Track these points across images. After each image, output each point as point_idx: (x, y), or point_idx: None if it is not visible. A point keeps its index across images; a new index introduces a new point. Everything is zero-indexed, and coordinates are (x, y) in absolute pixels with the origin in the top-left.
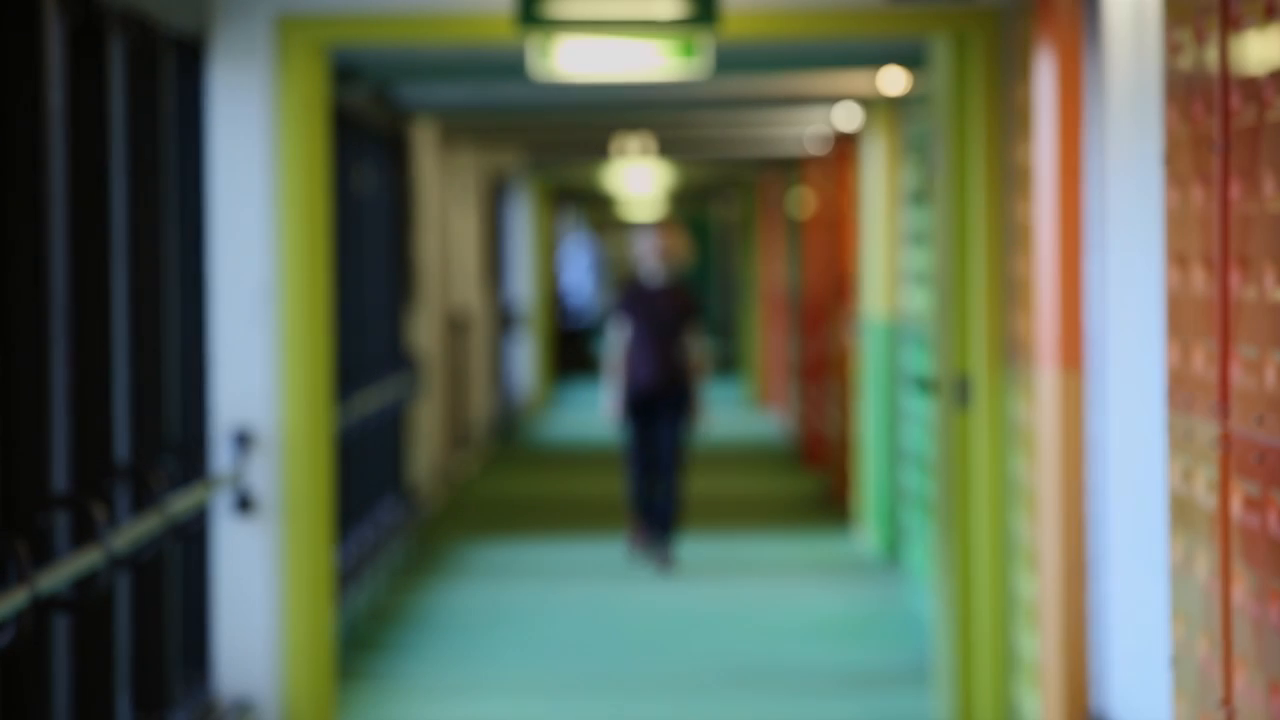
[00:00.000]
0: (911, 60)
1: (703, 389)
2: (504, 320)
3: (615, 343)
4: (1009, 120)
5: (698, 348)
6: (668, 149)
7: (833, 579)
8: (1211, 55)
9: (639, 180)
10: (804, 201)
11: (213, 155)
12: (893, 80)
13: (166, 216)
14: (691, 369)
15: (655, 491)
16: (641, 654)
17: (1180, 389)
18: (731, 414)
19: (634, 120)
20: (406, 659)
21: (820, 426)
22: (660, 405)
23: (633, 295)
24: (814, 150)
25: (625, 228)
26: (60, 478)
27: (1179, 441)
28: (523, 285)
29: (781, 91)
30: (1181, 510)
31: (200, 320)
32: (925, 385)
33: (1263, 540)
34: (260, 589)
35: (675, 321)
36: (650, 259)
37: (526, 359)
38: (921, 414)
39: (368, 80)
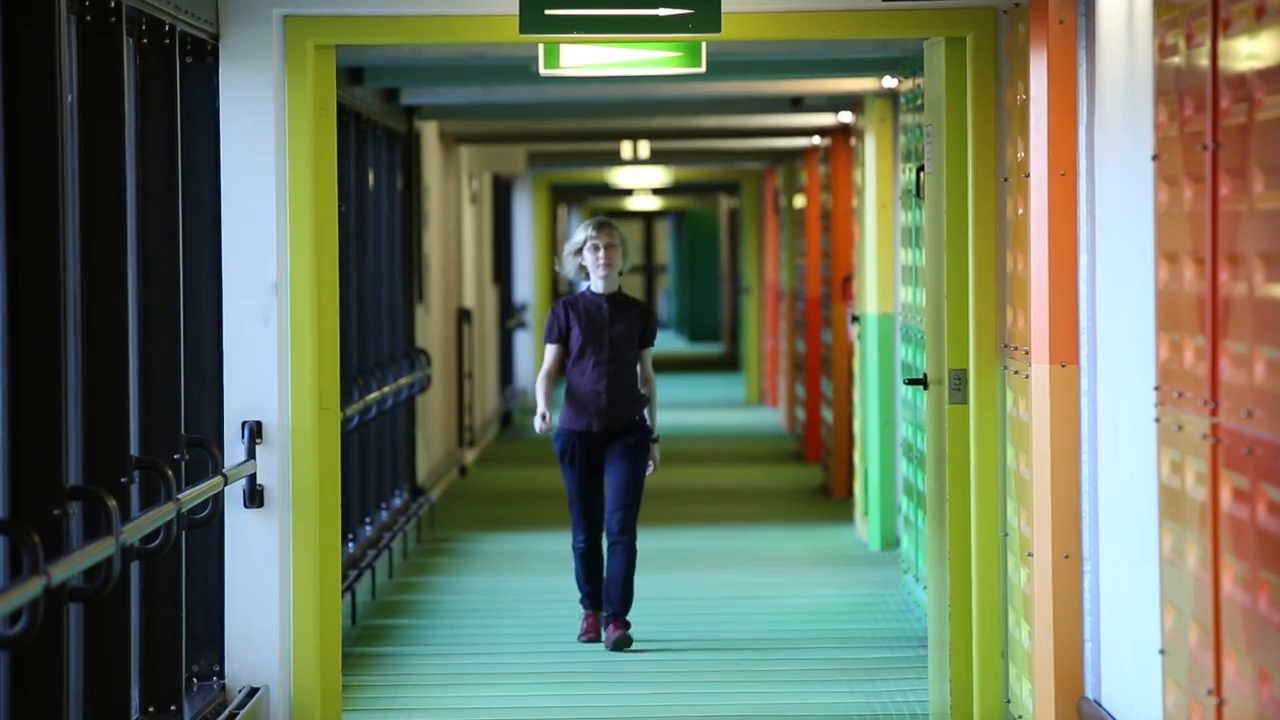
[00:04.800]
0: (908, 68)
1: (653, 417)
2: (509, 316)
3: (550, 370)
4: (1003, 119)
5: (648, 368)
6: (668, 148)
7: (832, 569)
8: (1202, 56)
9: (640, 178)
10: (804, 198)
11: (224, 152)
12: (890, 79)
13: (179, 213)
14: (643, 395)
15: (610, 554)
16: (643, 643)
17: (1170, 383)
18: (733, 408)
19: (635, 120)
20: (413, 647)
21: (820, 420)
22: (609, 444)
23: (572, 308)
24: (813, 147)
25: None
26: (74, 471)
27: (1169, 435)
28: (526, 282)
29: (781, 90)
30: (1172, 502)
31: (213, 315)
32: (915, 380)
33: (1251, 531)
34: (270, 580)
35: (626, 339)
36: (591, 262)
37: (531, 355)
38: (920, 408)
39: (376, 81)
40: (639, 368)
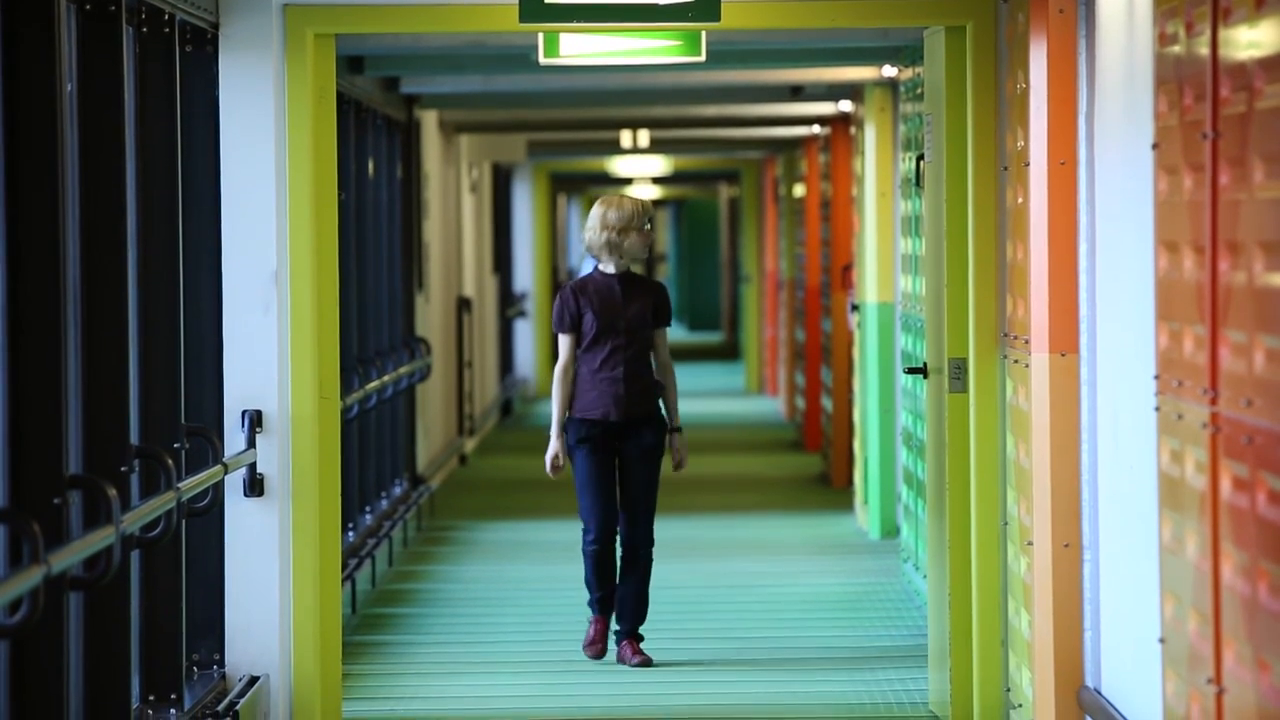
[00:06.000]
0: (908, 57)
1: (674, 405)
2: (509, 305)
3: (566, 363)
4: (1003, 108)
5: (664, 352)
6: (668, 137)
7: (832, 558)
8: (1202, 45)
9: (640, 166)
10: (803, 187)
11: (223, 142)
12: (890, 68)
13: (178, 202)
14: (662, 385)
15: (623, 565)
16: (644, 631)
17: (1170, 372)
18: (732, 397)
19: (634, 109)
20: (413, 636)
21: (820, 408)
22: (625, 440)
23: (584, 292)
24: (813, 136)
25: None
26: (74, 460)
27: (1169, 424)
28: (526, 271)
29: (781, 79)
30: (1171, 491)
31: (212, 304)
32: (915, 369)
33: (1251, 520)
34: (270, 569)
35: (642, 321)
36: (639, 243)
37: (530, 343)
38: (920, 396)
39: (376, 69)
40: (654, 351)
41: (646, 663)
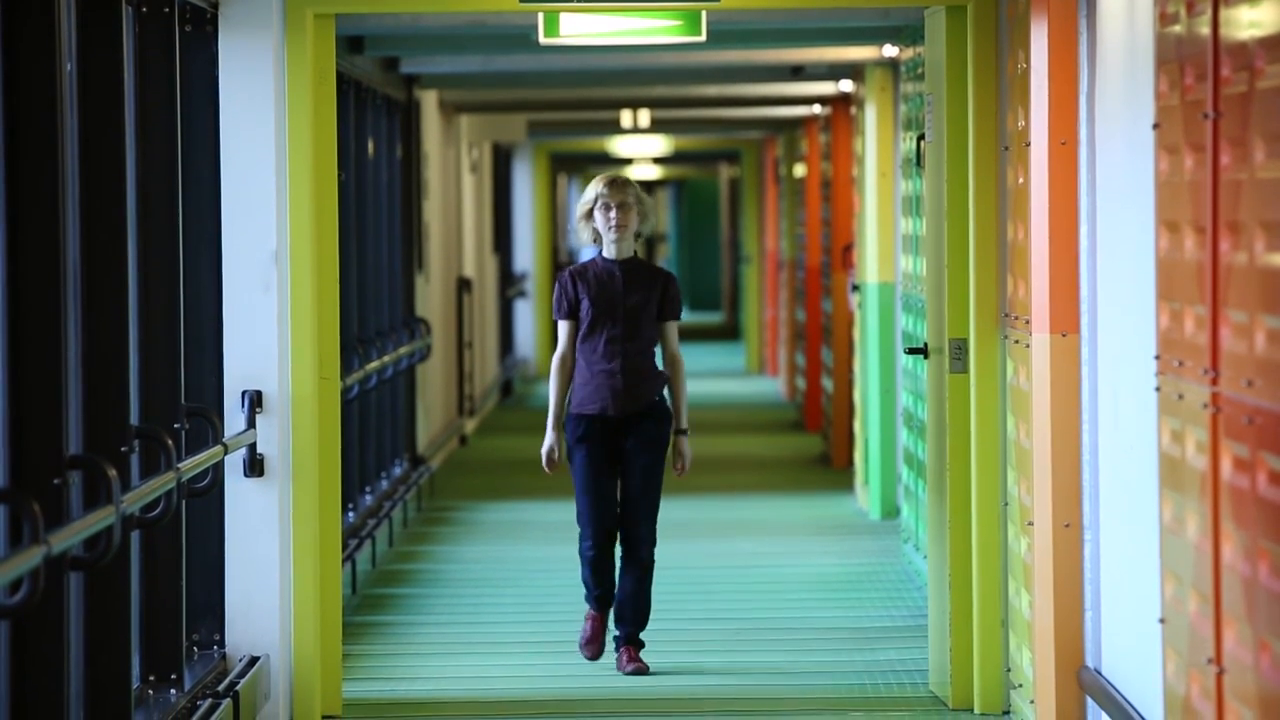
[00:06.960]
0: (909, 37)
1: (680, 405)
2: (509, 285)
3: (564, 351)
4: (1004, 88)
5: (673, 346)
6: (668, 117)
7: (832, 538)
8: (1203, 25)
9: (640, 146)
10: (804, 167)
11: (223, 122)
12: (891, 48)
13: (178, 182)
14: (667, 378)
15: (622, 565)
16: None
17: (1171, 352)
18: (733, 377)
19: (635, 89)
20: (413, 616)
21: (821, 389)
22: (625, 434)
23: (580, 278)
24: (814, 116)
25: None
26: (74, 440)
27: (1170, 404)
28: (526, 251)
29: (781, 58)
30: (1172, 471)
31: (213, 284)
32: (916, 350)
33: (1251, 500)
34: (271, 549)
35: (644, 311)
36: (602, 224)
37: (530, 324)
38: (920, 377)
39: (376, 49)
40: (661, 345)
41: (641, 670)
